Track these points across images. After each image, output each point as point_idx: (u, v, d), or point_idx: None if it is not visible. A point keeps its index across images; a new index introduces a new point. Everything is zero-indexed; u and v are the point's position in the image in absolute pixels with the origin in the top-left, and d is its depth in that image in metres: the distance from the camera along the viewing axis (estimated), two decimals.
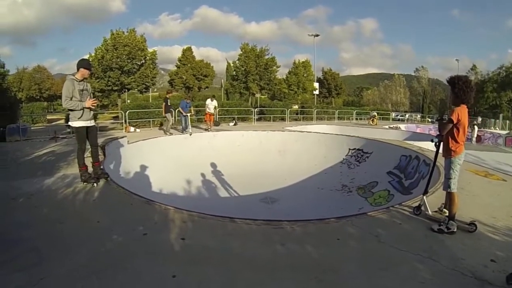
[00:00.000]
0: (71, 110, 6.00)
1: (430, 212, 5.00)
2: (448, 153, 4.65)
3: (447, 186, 4.64)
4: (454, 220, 4.50)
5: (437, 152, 5.05)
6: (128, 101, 45.50)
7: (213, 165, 13.66)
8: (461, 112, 4.46)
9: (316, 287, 3.15)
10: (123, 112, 17.98)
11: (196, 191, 11.67)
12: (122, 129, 17.29)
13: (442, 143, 4.75)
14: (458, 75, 4.75)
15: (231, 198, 11.56)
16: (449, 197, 4.67)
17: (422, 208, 5.13)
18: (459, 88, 4.52)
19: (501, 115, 44.82)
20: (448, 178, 4.64)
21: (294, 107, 36.49)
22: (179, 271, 3.26)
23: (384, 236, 4.32)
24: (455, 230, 4.42)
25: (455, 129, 4.52)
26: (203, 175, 12.83)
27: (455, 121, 4.42)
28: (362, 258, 3.75)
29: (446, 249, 3.99)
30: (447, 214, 4.71)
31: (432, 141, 4.91)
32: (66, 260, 3.40)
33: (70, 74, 6.18)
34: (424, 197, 5.15)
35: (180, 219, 4.72)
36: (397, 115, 47.33)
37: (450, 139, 4.60)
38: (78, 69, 6.09)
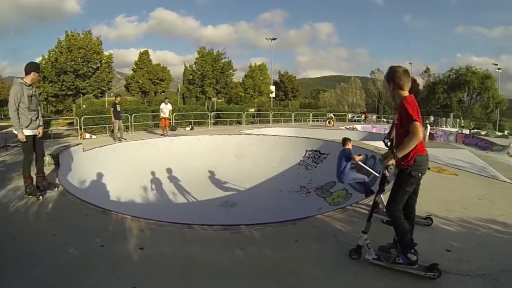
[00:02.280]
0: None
1: (383, 208, 5.13)
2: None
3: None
4: None
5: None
6: (84, 106, 44.13)
7: (170, 170, 13.52)
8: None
9: None
10: (78, 118, 17.45)
11: (154, 198, 11.52)
12: (77, 135, 16.75)
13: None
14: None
15: (189, 203, 11.49)
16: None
17: (380, 205, 5.29)
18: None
19: (451, 114, 47.02)
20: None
21: (251, 110, 36.58)
22: (139, 282, 3.23)
23: (342, 235, 4.46)
24: None
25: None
26: (161, 181, 12.66)
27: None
28: (321, 258, 3.85)
29: None
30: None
31: (383, 141, 5.08)
32: (21, 277, 3.28)
33: (18, 78, 5.77)
34: (381, 195, 5.30)
35: (137, 228, 4.66)
36: (353, 116, 48.54)
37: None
38: (28, 73, 5.72)
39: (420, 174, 3.44)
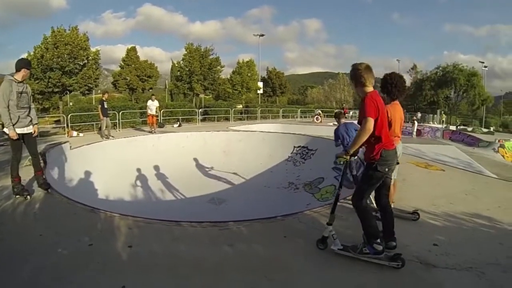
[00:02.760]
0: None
1: (375, 205, 5.16)
2: None
3: None
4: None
5: None
6: (71, 103, 43.58)
7: (158, 167, 13.47)
8: (391, 109, 4.57)
9: (267, 286, 3.21)
10: (65, 116, 17.28)
11: (143, 195, 11.46)
12: (65, 133, 16.59)
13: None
14: (389, 74, 4.78)
15: (178, 200, 11.46)
16: None
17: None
18: (383, 85, 4.70)
19: (438, 111, 47.52)
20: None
21: (239, 106, 36.60)
22: (128, 281, 3.20)
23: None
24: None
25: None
26: (149, 178, 12.60)
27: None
28: (310, 254, 3.86)
29: None
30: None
31: None
32: (9, 279, 3.22)
33: (8, 75, 5.64)
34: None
35: (126, 226, 4.62)
36: None
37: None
38: (18, 70, 5.58)
39: (386, 169, 3.50)
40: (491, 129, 35.65)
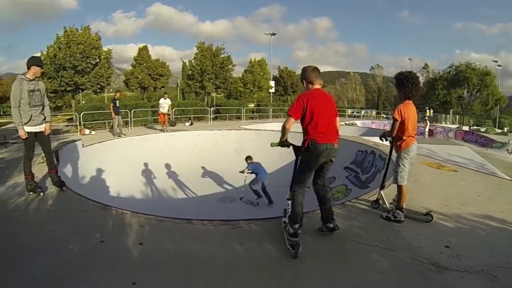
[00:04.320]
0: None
1: (388, 205, 5.18)
2: (396, 148, 4.90)
3: (395, 179, 4.88)
4: (401, 211, 4.76)
5: (391, 147, 5.27)
6: (83, 102, 44.00)
7: (170, 166, 13.59)
8: (405, 108, 4.65)
9: (277, 285, 3.21)
10: (77, 114, 17.41)
11: (154, 193, 11.56)
12: (77, 131, 16.76)
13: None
14: (402, 71, 4.91)
15: (189, 198, 11.53)
16: (398, 189, 4.89)
17: (380, 201, 5.37)
18: (400, 82, 4.73)
19: (451, 111, 47.11)
20: (395, 171, 4.86)
21: (250, 105, 36.57)
22: (139, 278, 3.22)
23: (341, 231, 4.42)
24: (401, 219, 4.73)
25: (402, 126, 4.69)
26: (160, 176, 12.71)
27: (399, 120, 4.62)
28: (321, 253, 3.86)
29: (402, 239, 4.20)
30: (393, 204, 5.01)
31: (380, 138, 5.27)
32: (20, 275, 3.25)
33: (21, 74, 5.67)
34: (382, 191, 5.34)
35: (137, 223, 4.66)
36: (353, 112, 48.57)
37: (397, 135, 4.81)
38: (29, 68, 5.61)
39: (313, 159, 3.96)
40: (505, 129, 35.19)
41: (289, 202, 4.09)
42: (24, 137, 5.64)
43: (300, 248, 3.73)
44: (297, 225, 3.88)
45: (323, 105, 3.96)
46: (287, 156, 14.06)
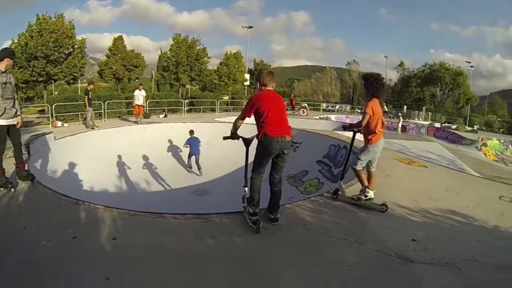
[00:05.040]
0: None
1: (346, 194, 5.58)
2: (366, 141, 5.29)
3: (353, 163, 5.31)
4: (369, 188, 5.27)
5: (352, 140, 5.72)
6: (56, 93, 42.88)
7: (144, 158, 13.52)
8: (375, 105, 5.06)
9: (249, 278, 3.26)
10: (49, 105, 16.96)
11: (128, 187, 11.46)
12: (49, 124, 16.29)
13: (362, 132, 5.37)
14: (370, 72, 5.39)
15: (163, 192, 11.53)
16: (355, 173, 5.34)
17: (340, 192, 5.66)
18: (370, 83, 5.13)
19: (424, 108, 48.14)
20: (357, 157, 5.27)
21: (225, 98, 36.47)
22: (112, 273, 3.21)
23: (311, 224, 4.57)
24: (372, 196, 5.27)
25: (371, 121, 5.09)
26: (134, 169, 12.59)
27: (371, 114, 5.00)
28: (292, 247, 3.94)
29: (370, 232, 4.33)
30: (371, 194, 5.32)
31: (345, 129, 5.80)
32: None
33: None
34: (341, 181, 5.68)
35: (110, 218, 4.60)
36: (327, 106, 49.03)
37: (368, 129, 5.19)
38: (1, 59, 5.42)
39: (265, 150, 4.35)
40: (475, 127, 36.19)
41: (246, 188, 4.69)
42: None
43: (260, 224, 4.25)
44: (255, 206, 4.43)
45: (273, 104, 4.41)
46: None
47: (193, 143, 13.40)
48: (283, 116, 4.52)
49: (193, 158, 13.34)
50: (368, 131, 5.20)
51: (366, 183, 5.34)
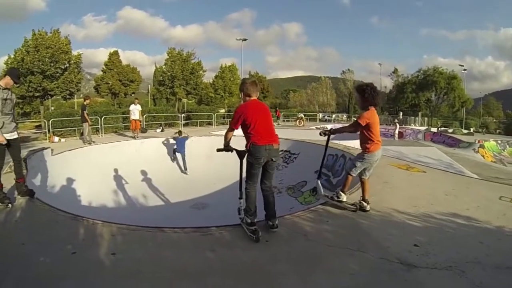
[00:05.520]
0: None
1: (322, 193, 5.99)
2: (363, 149, 5.30)
3: (349, 169, 5.49)
4: (344, 192, 5.57)
5: (327, 143, 6.27)
6: (52, 108, 42.92)
7: (141, 173, 13.48)
8: (371, 114, 5.09)
9: None
10: (46, 121, 16.98)
11: (126, 202, 11.39)
12: (46, 139, 16.32)
13: (359, 140, 5.44)
14: (365, 83, 5.42)
15: (161, 206, 11.42)
16: (346, 177, 5.60)
17: (317, 190, 6.07)
18: (369, 93, 5.13)
19: (420, 113, 48.37)
20: (353, 164, 5.39)
21: (221, 111, 36.58)
22: None
23: (312, 234, 4.52)
24: (343, 199, 5.52)
25: (368, 130, 5.12)
26: (132, 184, 12.54)
27: (363, 124, 5.06)
28: (293, 258, 3.88)
29: (372, 240, 4.27)
30: (365, 207, 5.42)
31: (320, 134, 6.01)
32: None
33: None
34: (318, 180, 6.19)
35: (109, 233, 4.56)
36: (324, 116, 49.17)
37: (366, 138, 5.20)
38: (4, 76, 5.60)
39: (254, 159, 4.42)
40: (471, 130, 36.37)
41: (241, 200, 4.78)
42: (4, 143, 5.53)
43: (260, 233, 4.30)
44: (252, 216, 4.49)
45: (259, 113, 4.50)
46: None
47: (179, 142, 15.25)
48: (269, 125, 4.64)
49: (179, 155, 15.18)
50: (365, 140, 5.23)
51: (346, 188, 5.58)
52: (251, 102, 4.59)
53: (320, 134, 6.02)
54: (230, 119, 5.27)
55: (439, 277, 3.33)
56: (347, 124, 7.68)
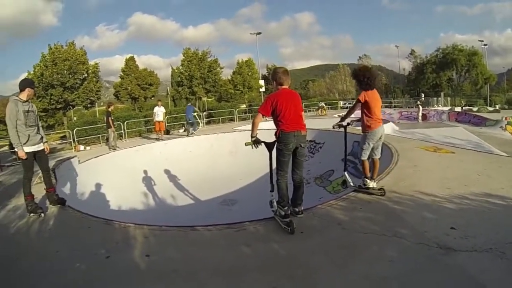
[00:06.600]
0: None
1: (352, 184, 6.06)
2: (365, 129, 5.51)
3: (360, 154, 5.67)
4: (368, 179, 5.62)
5: (345, 134, 6.51)
6: (75, 118, 43.77)
7: (168, 174, 13.58)
8: (370, 93, 5.38)
9: (288, 284, 3.17)
10: (70, 131, 17.32)
11: (155, 203, 11.52)
12: (71, 148, 16.64)
13: (360, 121, 5.75)
14: (360, 68, 5.82)
15: (190, 205, 11.50)
16: (361, 164, 5.76)
17: (346, 182, 6.16)
18: (365, 79, 5.40)
19: (442, 93, 47.39)
20: (360, 148, 5.59)
21: (242, 106, 36.51)
22: None
23: (346, 223, 4.46)
24: (370, 185, 5.56)
25: (365, 108, 5.40)
26: (159, 185, 12.66)
27: (362, 100, 5.37)
28: (329, 248, 3.84)
29: (408, 225, 4.18)
30: (368, 183, 5.62)
31: (333, 127, 6.24)
32: None
33: (13, 95, 5.68)
34: (345, 172, 6.27)
35: (141, 235, 4.60)
36: (345, 104, 48.66)
37: (364, 116, 5.47)
38: (23, 89, 5.64)
39: (283, 146, 4.47)
40: (497, 107, 35.44)
41: (272, 193, 4.73)
42: (24, 158, 5.60)
43: (294, 225, 4.28)
44: (286, 207, 4.45)
45: (289, 101, 4.51)
46: None
47: (187, 110, 19.01)
48: (298, 113, 4.64)
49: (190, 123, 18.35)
50: (366, 119, 5.45)
51: (367, 173, 5.64)
52: (283, 90, 4.63)
53: (333, 127, 6.22)
54: (252, 113, 5.23)
55: (479, 259, 3.23)
56: None
